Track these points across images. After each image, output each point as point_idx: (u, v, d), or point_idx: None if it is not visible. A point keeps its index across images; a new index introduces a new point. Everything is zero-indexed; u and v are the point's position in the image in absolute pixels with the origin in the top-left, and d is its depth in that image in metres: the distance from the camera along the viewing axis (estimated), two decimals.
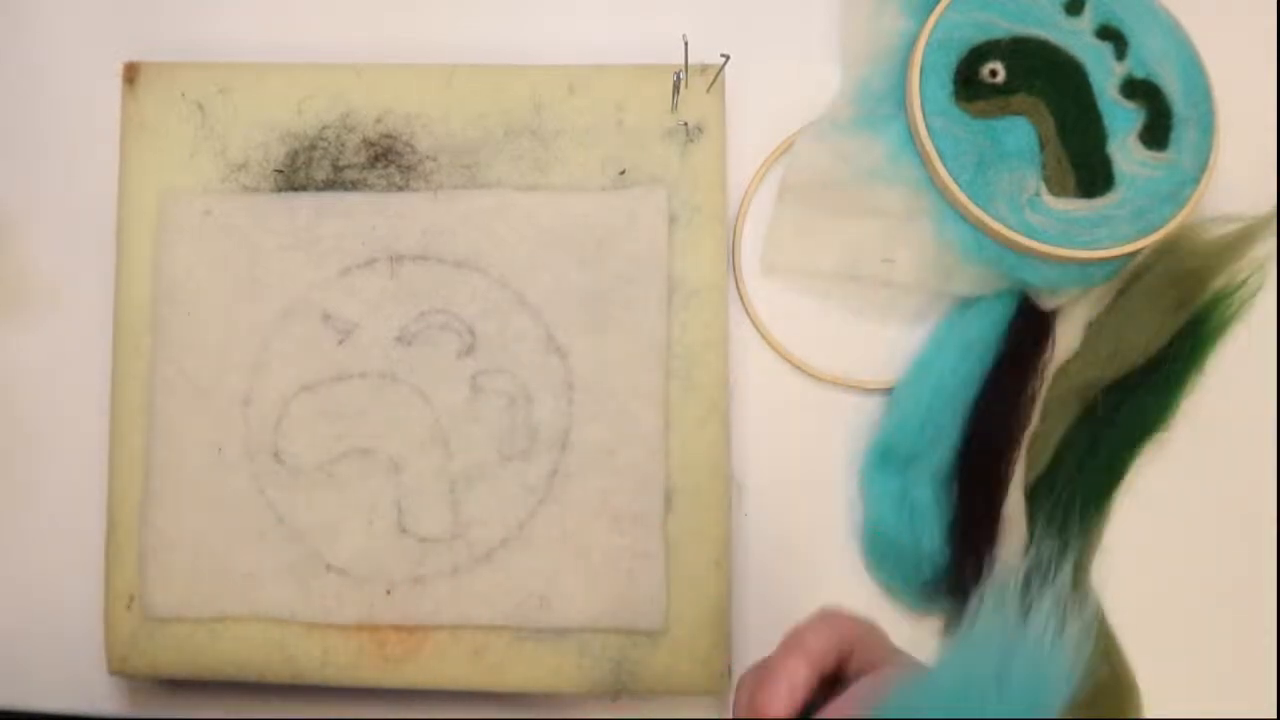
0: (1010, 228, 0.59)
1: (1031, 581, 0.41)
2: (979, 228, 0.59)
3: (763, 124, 0.63)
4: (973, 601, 0.42)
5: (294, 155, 0.61)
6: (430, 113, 0.61)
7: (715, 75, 0.60)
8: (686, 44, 0.59)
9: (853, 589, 0.61)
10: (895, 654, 0.47)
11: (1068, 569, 0.42)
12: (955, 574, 0.59)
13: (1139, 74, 0.60)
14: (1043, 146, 0.60)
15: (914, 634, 0.60)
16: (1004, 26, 0.61)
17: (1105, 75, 0.60)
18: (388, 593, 0.58)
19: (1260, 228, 0.61)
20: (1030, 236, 0.58)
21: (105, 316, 0.61)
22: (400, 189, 0.61)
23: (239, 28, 0.65)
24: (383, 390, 0.59)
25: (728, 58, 0.60)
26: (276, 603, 0.58)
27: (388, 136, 0.61)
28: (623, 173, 0.61)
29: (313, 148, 0.61)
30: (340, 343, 0.59)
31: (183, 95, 0.61)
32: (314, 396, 0.59)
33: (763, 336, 0.62)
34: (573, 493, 0.58)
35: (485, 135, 0.61)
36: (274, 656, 0.58)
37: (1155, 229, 0.59)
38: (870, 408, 0.62)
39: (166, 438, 0.59)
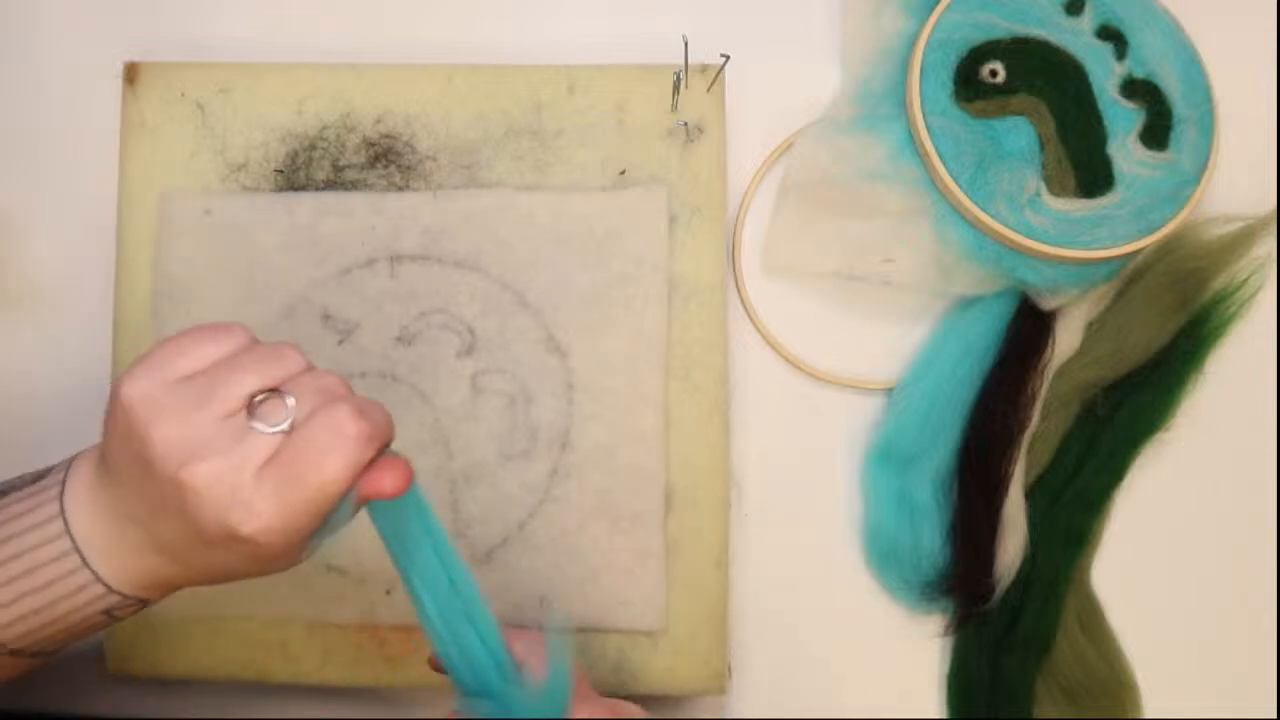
0: (1010, 228, 0.58)
1: None
2: (979, 228, 0.59)
3: (763, 124, 0.63)
4: None
5: (294, 155, 0.61)
6: (430, 113, 0.61)
7: (715, 75, 0.60)
8: (686, 44, 0.59)
9: (853, 589, 0.61)
10: None
11: None
12: (955, 574, 0.59)
13: (1139, 74, 0.60)
14: (1043, 146, 0.60)
15: (914, 634, 0.61)
16: (1004, 26, 0.61)
17: (1105, 75, 0.60)
18: (387, 593, 0.58)
19: (1260, 228, 0.61)
20: (1030, 236, 0.58)
21: (105, 316, 0.61)
22: (400, 189, 0.61)
23: (239, 28, 0.65)
24: (383, 390, 0.59)
25: (728, 58, 0.60)
26: (276, 603, 0.58)
27: (388, 136, 0.61)
28: (623, 173, 0.60)
29: (313, 148, 0.61)
30: (340, 343, 0.59)
31: (183, 95, 0.61)
32: None
33: (763, 336, 0.62)
34: (573, 493, 0.58)
35: (485, 135, 0.61)
36: (274, 656, 0.58)
37: (1155, 229, 0.59)
38: (870, 408, 0.62)
39: None
